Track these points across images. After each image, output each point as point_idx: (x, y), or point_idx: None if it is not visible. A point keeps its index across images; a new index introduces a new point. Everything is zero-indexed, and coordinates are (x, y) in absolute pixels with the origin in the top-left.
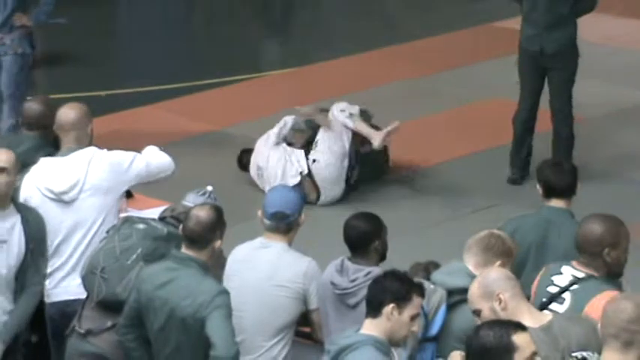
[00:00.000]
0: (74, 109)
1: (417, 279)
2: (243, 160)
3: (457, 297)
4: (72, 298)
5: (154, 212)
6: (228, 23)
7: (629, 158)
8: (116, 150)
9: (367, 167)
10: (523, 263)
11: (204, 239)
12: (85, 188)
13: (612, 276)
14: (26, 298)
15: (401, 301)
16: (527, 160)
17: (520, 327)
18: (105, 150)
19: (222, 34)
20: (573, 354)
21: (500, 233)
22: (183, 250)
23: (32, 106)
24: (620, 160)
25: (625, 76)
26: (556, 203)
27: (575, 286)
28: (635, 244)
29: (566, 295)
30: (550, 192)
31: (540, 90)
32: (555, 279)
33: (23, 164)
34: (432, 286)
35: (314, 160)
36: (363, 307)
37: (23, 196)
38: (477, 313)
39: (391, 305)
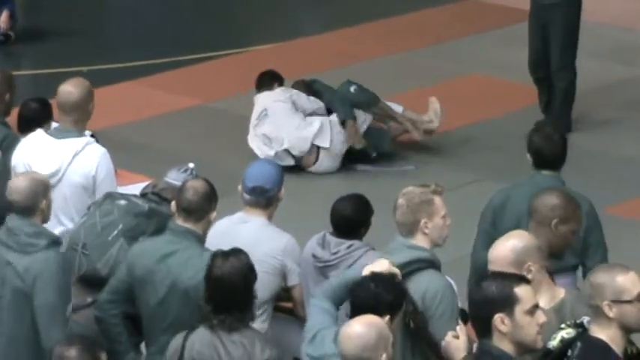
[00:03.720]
0: (77, 89)
1: None
2: (265, 80)
3: (402, 272)
4: None
5: (135, 188)
6: None
7: (614, 134)
8: (108, 165)
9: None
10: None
11: (202, 210)
12: (63, 179)
13: (552, 254)
14: None
15: (394, 312)
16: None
17: (523, 279)
18: (98, 147)
19: (208, 7)
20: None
21: (403, 201)
22: (180, 223)
23: None
24: (606, 135)
25: (609, 51)
26: (546, 173)
27: None
28: (624, 222)
29: None
30: (541, 163)
31: (541, 44)
32: None
33: None
34: None
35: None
36: None
37: (12, 164)
38: None
39: (386, 317)
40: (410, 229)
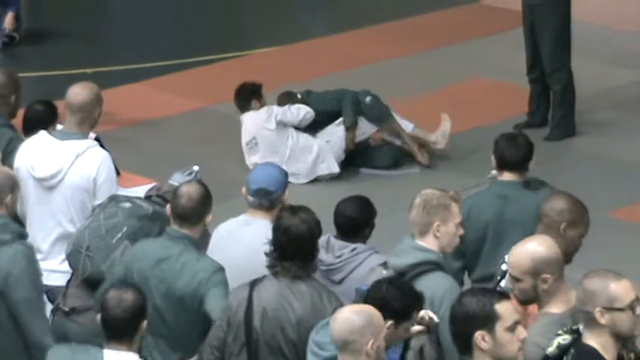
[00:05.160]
0: (86, 91)
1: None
2: (245, 97)
3: (409, 274)
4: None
5: (139, 190)
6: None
7: (616, 137)
8: (110, 172)
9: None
10: (482, 241)
11: (197, 215)
12: (64, 181)
13: None
14: None
15: (400, 319)
16: (538, 112)
17: (504, 296)
18: (100, 150)
19: (211, 10)
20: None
21: (420, 201)
22: (175, 228)
23: None
24: (607, 139)
25: (610, 54)
26: (508, 177)
27: None
28: (626, 226)
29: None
30: (503, 165)
31: (533, 45)
32: (506, 257)
33: None
34: (384, 272)
35: (327, 141)
36: (348, 282)
37: (15, 165)
38: (516, 280)
39: (389, 322)
40: (422, 230)
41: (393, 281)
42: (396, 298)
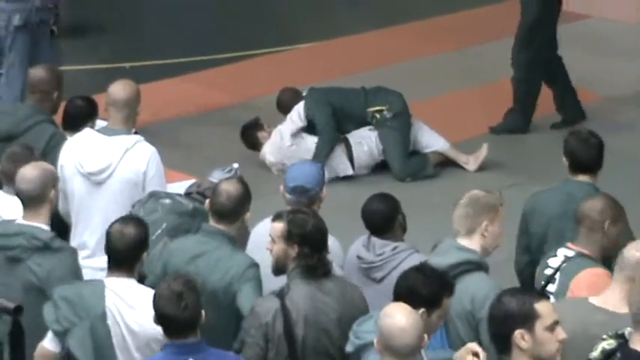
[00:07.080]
0: (129, 88)
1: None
2: (250, 138)
3: (450, 274)
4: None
5: (179, 187)
6: None
7: None
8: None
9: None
10: (544, 237)
11: (235, 213)
12: (114, 175)
13: (604, 258)
14: None
15: (430, 307)
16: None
17: (542, 295)
18: (148, 145)
19: (250, 5)
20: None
21: (469, 201)
22: (212, 224)
23: (35, 71)
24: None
25: None
26: (581, 178)
27: (564, 265)
28: None
29: (557, 275)
30: (576, 167)
31: None
32: (550, 261)
33: (10, 135)
34: None
35: (359, 142)
36: (388, 281)
37: (60, 163)
38: None
39: (421, 310)
40: (470, 228)
41: (420, 269)
42: (424, 284)
